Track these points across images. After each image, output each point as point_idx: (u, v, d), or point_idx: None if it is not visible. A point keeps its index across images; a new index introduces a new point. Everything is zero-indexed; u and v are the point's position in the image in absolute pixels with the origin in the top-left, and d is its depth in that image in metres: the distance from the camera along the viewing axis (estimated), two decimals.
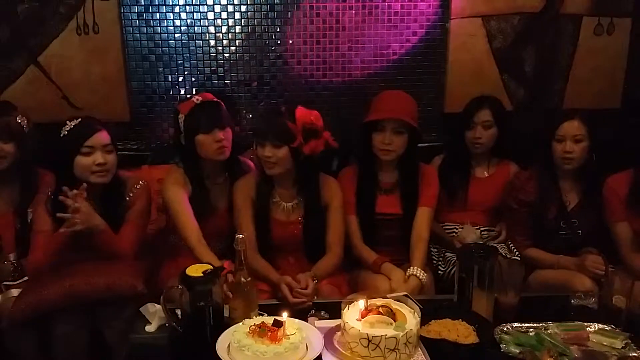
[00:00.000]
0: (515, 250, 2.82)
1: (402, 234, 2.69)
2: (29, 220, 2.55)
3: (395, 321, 1.83)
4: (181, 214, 2.52)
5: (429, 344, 1.86)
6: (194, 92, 3.13)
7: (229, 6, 3.20)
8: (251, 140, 3.11)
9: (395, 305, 1.92)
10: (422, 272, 2.52)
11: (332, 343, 1.87)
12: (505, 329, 1.98)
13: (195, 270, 1.91)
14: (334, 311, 2.00)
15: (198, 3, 3.18)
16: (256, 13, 3.22)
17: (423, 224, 2.66)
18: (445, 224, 3.04)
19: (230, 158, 2.62)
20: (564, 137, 2.67)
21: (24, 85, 3.18)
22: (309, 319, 2.07)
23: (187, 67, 3.26)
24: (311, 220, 2.55)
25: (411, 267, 2.52)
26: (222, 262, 2.25)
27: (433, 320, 1.97)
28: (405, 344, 1.78)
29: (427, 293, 2.53)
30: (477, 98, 3.02)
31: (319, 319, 2.07)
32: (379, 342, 1.75)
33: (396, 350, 1.76)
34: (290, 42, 3.27)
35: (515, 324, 2.01)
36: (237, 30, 3.24)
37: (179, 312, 1.98)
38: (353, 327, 1.80)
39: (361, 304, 1.89)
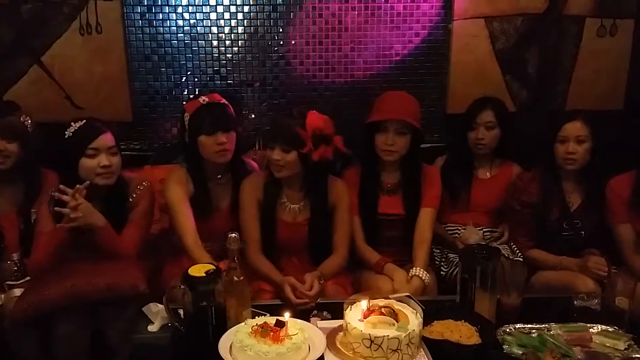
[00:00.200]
0: (517, 251, 2.82)
1: (405, 234, 2.69)
2: (32, 220, 2.55)
3: (397, 322, 1.82)
4: (180, 214, 2.53)
5: (432, 345, 1.85)
6: (197, 92, 3.13)
7: (231, 7, 3.20)
8: (253, 141, 3.14)
9: (397, 305, 1.92)
10: (425, 272, 2.52)
11: (335, 343, 1.87)
12: (507, 330, 1.98)
13: (197, 270, 1.91)
14: (337, 311, 2.00)
15: (201, 3, 3.18)
16: (259, 14, 3.22)
17: (426, 224, 2.66)
18: (448, 224, 3.03)
19: (233, 158, 2.62)
20: (566, 138, 2.67)
21: (27, 85, 3.19)
22: (312, 319, 2.07)
23: (189, 67, 3.26)
24: (317, 223, 2.54)
25: (414, 268, 2.52)
26: (218, 264, 2.25)
27: (435, 321, 1.97)
28: (407, 344, 1.77)
29: (430, 294, 2.53)
30: (479, 99, 3.02)
31: (322, 319, 2.08)
32: (381, 343, 1.75)
33: (398, 351, 1.76)
34: (293, 42, 3.27)
35: (518, 325, 2.00)
36: (239, 31, 3.24)
37: (181, 312, 1.98)
38: (355, 327, 1.80)
39: (363, 304, 1.89)
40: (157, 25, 3.20)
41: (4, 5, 3.09)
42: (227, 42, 3.25)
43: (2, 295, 2.45)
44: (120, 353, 2.27)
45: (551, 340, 1.90)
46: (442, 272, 2.84)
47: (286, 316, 1.84)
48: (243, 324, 1.86)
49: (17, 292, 2.40)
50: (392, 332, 1.78)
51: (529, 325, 2.01)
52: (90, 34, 3.16)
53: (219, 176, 2.65)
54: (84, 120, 2.44)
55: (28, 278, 2.48)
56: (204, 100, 2.58)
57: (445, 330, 1.92)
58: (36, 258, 2.39)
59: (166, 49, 3.23)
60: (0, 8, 3.09)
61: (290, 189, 2.56)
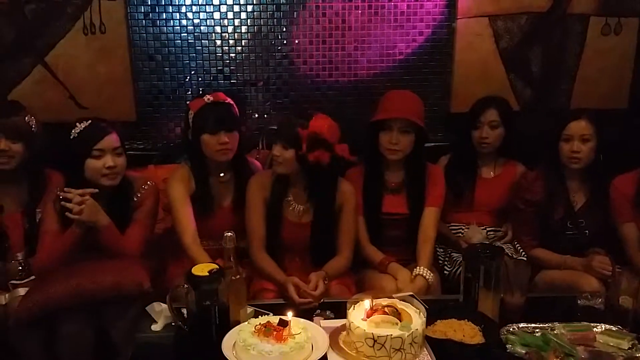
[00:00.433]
0: (521, 250, 2.81)
1: (409, 234, 2.69)
2: (37, 220, 2.56)
3: (400, 321, 1.82)
4: (180, 212, 2.54)
5: (435, 344, 1.85)
6: (200, 92, 3.14)
7: (235, 6, 3.20)
8: (257, 140, 3.14)
9: (400, 305, 1.92)
10: (429, 272, 2.52)
11: (338, 343, 1.87)
12: (511, 330, 1.98)
13: (201, 270, 1.92)
14: (340, 311, 2.01)
15: (204, 3, 3.18)
16: (262, 13, 3.22)
17: (430, 224, 2.66)
18: (452, 224, 3.03)
19: (236, 157, 2.63)
20: (571, 137, 2.66)
21: (31, 85, 3.19)
22: (315, 318, 2.07)
23: (193, 67, 3.26)
24: (320, 225, 2.54)
25: (418, 267, 2.53)
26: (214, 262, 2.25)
27: (439, 321, 1.97)
28: (410, 344, 1.77)
29: (433, 293, 2.53)
30: (483, 98, 3.02)
31: (325, 319, 2.08)
32: (385, 342, 1.75)
33: (402, 350, 1.76)
34: (297, 41, 3.27)
35: (522, 325, 2.00)
36: (243, 30, 3.24)
37: (184, 311, 1.98)
38: (358, 326, 1.80)
39: (367, 303, 1.89)
40: (161, 24, 3.20)
41: (7, 6, 3.09)
42: (231, 42, 3.25)
43: (7, 295, 2.45)
44: (123, 352, 2.27)
45: (555, 339, 1.89)
46: (445, 272, 2.84)
47: (289, 315, 1.84)
48: (246, 323, 1.86)
49: (22, 291, 2.40)
50: (395, 331, 1.78)
51: (533, 325, 2.00)
52: (94, 33, 3.16)
53: (222, 174, 2.66)
54: (90, 121, 2.45)
55: (32, 277, 2.48)
56: (208, 99, 2.59)
57: (449, 330, 1.92)
58: (41, 257, 2.40)
59: (170, 48, 3.23)
60: (4, 9, 3.09)
61: (296, 187, 2.56)
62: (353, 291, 2.51)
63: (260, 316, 1.95)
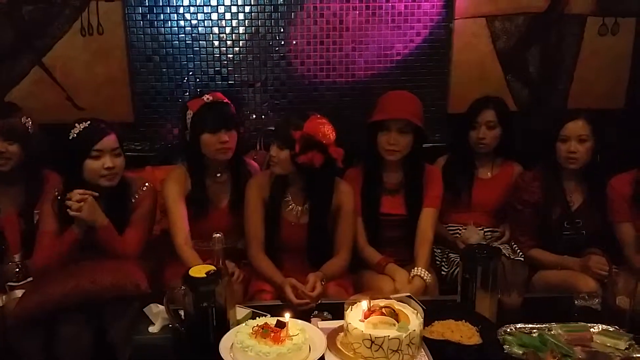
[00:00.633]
0: (518, 250, 2.81)
1: (407, 234, 2.69)
2: (34, 222, 2.56)
3: (398, 322, 1.82)
4: (173, 213, 2.55)
5: (432, 345, 1.85)
6: (198, 93, 3.14)
7: (232, 7, 3.20)
8: (254, 141, 3.14)
9: (398, 306, 1.91)
10: (427, 272, 2.51)
11: (335, 344, 1.87)
12: (508, 330, 1.98)
13: (198, 271, 1.91)
14: (337, 312, 2.00)
15: (202, 4, 3.19)
16: (260, 14, 3.22)
17: (428, 224, 2.66)
18: (449, 224, 3.03)
19: (234, 157, 2.63)
20: (568, 137, 2.67)
21: (28, 86, 3.19)
22: (312, 319, 2.07)
23: (191, 67, 3.26)
24: (316, 226, 2.54)
25: (415, 268, 2.52)
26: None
27: (436, 321, 1.96)
28: (408, 344, 1.77)
29: (431, 294, 2.53)
30: (481, 98, 3.02)
31: (322, 320, 2.08)
32: (382, 343, 1.75)
33: (399, 351, 1.76)
34: (294, 42, 3.27)
35: (519, 325, 2.00)
36: (240, 31, 3.24)
37: (182, 312, 1.98)
38: (356, 328, 1.80)
39: (364, 304, 1.89)
40: (159, 26, 3.20)
41: (6, 7, 3.09)
42: (229, 43, 3.25)
43: (4, 297, 2.45)
44: (121, 353, 2.27)
45: (552, 340, 1.89)
46: (443, 272, 2.84)
47: (287, 317, 1.84)
48: (244, 324, 1.86)
49: (19, 293, 2.40)
50: (392, 332, 1.77)
51: (530, 325, 2.00)
52: (91, 35, 3.16)
53: (219, 174, 2.66)
54: (88, 122, 2.45)
55: (29, 279, 2.48)
56: (207, 98, 2.60)
57: (446, 331, 1.91)
58: (39, 258, 2.41)
59: (167, 49, 3.23)
60: (2, 10, 3.09)
61: (294, 188, 2.56)
62: (350, 292, 2.51)
63: (257, 317, 1.95)
